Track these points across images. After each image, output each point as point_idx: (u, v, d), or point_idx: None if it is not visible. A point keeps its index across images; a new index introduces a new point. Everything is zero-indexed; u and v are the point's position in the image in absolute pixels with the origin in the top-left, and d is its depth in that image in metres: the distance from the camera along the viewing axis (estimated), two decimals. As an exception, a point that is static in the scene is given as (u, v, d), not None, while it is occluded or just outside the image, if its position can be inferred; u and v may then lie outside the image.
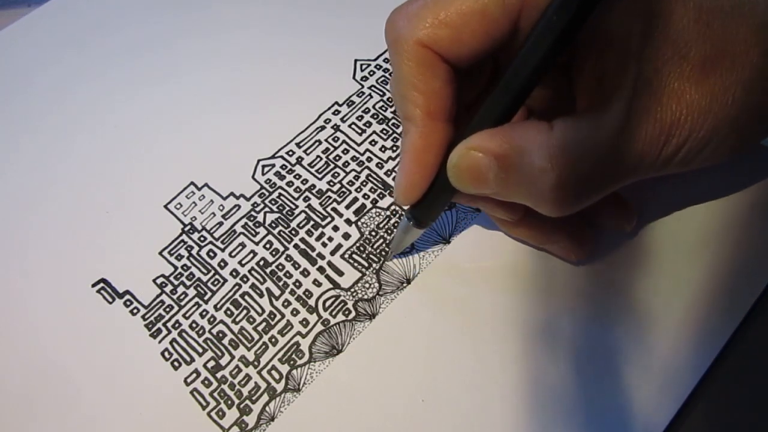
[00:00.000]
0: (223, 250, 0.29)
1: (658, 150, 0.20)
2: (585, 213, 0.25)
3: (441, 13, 0.21)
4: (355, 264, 0.28)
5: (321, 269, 0.28)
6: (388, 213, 0.29)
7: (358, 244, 0.28)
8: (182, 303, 0.27)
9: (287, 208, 0.30)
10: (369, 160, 0.31)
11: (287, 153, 0.31)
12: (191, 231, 0.29)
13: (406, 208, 0.28)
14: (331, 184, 0.30)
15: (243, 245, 0.29)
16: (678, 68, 0.20)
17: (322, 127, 0.32)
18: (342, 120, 0.32)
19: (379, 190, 0.30)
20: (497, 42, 0.22)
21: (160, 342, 0.27)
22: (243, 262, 0.28)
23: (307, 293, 0.27)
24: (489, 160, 0.21)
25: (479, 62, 0.22)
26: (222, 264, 0.28)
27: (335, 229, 0.29)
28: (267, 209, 0.30)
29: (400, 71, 0.22)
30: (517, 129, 0.21)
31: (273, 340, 0.26)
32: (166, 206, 0.30)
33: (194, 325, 0.27)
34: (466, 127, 0.22)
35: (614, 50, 0.20)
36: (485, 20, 0.21)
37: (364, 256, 0.28)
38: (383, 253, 0.28)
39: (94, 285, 0.28)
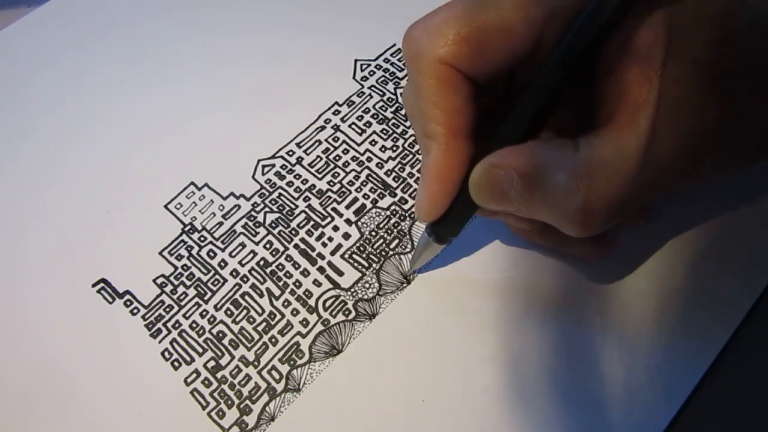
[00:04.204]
0: (223, 250, 0.29)
1: (682, 166, 0.20)
2: None
3: (463, 29, 0.20)
4: (355, 264, 0.28)
5: (321, 269, 0.28)
6: (388, 213, 0.29)
7: (358, 244, 0.28)
8: (182, 303, 0.27)
9: (287, 208, 0.30)
10: (369, 160, 0.31)
11: (287, 153, 0.31)
12: (191, 231, 0.29)
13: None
14: (331, 184, 0.30)
15: (243, 245, 0.29)
16: (700, 83, 0.19)
17: (322, 127, 0.32)
18: (342, 120, 0.32)
19: (379, 190, 0.30)
20: (520, 57, 0.21)
21: (160, 342, 0.27)
22: (243, 262, 0.28)
23: (307, 293, 0.27)
24: (511, 177, 0.20)
25: (502, 75, 0.22)
26: (222, 264, 0.28)
27: (335, 229, 0.29)
28: (267, 209, 0.30)
29: (421, 89, 0.21)
30: (542, 147, 0.20)
31: (273, 340, 0.26)
32: (166, 206, 0.30)
33: (194, 325, 0.27)
34: (488, 143, 0.21)
35: (637, 65, 0.19)
36: (509, 36, 0.20)
37: (364, 256, 0.28)
38: (383, 253, 0.28)
39: (94, 285, 0.28)
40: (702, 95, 0.19)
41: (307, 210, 0.29)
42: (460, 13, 0.20)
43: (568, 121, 0.24)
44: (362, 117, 0.32)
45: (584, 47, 0.19)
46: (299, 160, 0.31)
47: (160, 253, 0.29)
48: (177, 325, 0.27)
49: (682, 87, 0.19)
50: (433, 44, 0.21)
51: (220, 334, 0.27)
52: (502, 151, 0.21)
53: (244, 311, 0.27)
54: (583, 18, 0.19)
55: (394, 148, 0.31)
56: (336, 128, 0.32)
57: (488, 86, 0.23)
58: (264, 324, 0.27)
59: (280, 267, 0.28)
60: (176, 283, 0.28)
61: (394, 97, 0.32)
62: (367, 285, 0.27)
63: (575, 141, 0.20)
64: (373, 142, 0.31)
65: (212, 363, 0.26)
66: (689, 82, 0.19)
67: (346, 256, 0.28)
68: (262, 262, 0.28)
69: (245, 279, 0.28)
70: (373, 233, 0.29)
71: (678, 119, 0.19)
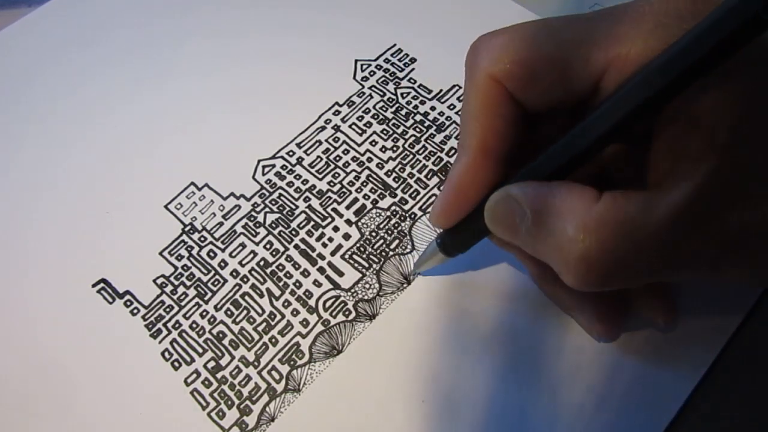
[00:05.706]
0: (223, 251, 0.29)
1: (713, 257, 0.18)
2: (622, 296, 0.25)
3: (523, 52, 0.20)
4: (356, 264, 0.28)
5: (321, 270, 0.28)
6: (388, 213, 0.29)
7: (358, 245, 0.28)
8: (182, 303, 0.27)
9: (287, 209, 0.30)
10: (369, 160, 0.31)
11: (288, 153, 0.31)
12: (191, 231, 0.29)
13: (439, 231, 0.28)
14: (332, 184, 0.30)
15: (243, 245, 0.29)
16: (765, 176, 0.17)
17: (323, 128, 0.32)
18: (342, 120, 0.32)
19: (380, 191, 0.30)
20: (575, 97, 0.21)
21: (160, 342, 0.27)
22: (243, 262, 0.28)
23: (307, 294, 0.27)
24: (524, 211, 0.20)
25: (557, 110, 0.21)
26: (222, 264, 0.28)
27: (335, 229, 0.29)
28: (267, 209, 0.30)
29: (468, 98, 0.21)
30: (563, 189, 0.19)
31: (273, 340, 0.26)
32: (166, 206, 0.30)
33: (194, 325, 0.27)
34: (517, 173, 0.21)
35: (697, 138, 0.18)
36: (566, 73, 0.20)
37: (364, 256, 0.28)
38: (383, 253, 0.28)
39: (94, 285, 0.28)
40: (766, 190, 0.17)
41: (307, 210, 0.29)
42: (525, 37, 0.20)
43: (623, 168, 0.23)
44: (362, 117, 0.32)
45: (635, 107, 0.18)
46: (299, 161, 0.31)
47: (161, 254, 0.29)
48: (177, 325, 0.27)
49: (744, 176, 0.17)
50: (490, 59, 0.21)
51: (221, 335, 0.27)
52: (524, 183, 0.20)
53: (245, 311, 0.27)
54: (641, 77, 0.18)
55: (395, 149, 0.31)
56: (336, 128, 0.32)
57: (551, 121, 0.22)
58: (264, 324, 0.27)
59: (281, 267, 0.28)
60: (176, 283, 0.28)
61: (394, 97, 0.32)
62: (367, 285, 0.27)
63: (601, 193, 0.19)
64: (373, 143, 0.31)
65: (212, 363, 0.26)
66: (753, 172, 0.17)
67: (347, 256, 0.28)
68: (262, 263, 0.28)
69: (245, 279, 0.28)
70: (374, 234, 0.29)
71: (727, 207, 0.17)
